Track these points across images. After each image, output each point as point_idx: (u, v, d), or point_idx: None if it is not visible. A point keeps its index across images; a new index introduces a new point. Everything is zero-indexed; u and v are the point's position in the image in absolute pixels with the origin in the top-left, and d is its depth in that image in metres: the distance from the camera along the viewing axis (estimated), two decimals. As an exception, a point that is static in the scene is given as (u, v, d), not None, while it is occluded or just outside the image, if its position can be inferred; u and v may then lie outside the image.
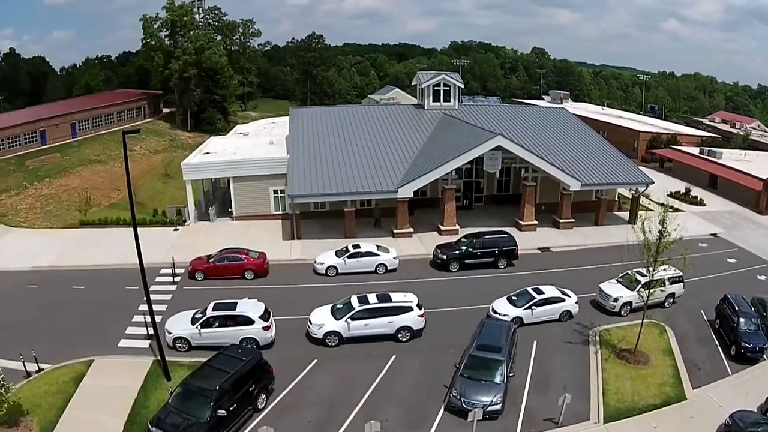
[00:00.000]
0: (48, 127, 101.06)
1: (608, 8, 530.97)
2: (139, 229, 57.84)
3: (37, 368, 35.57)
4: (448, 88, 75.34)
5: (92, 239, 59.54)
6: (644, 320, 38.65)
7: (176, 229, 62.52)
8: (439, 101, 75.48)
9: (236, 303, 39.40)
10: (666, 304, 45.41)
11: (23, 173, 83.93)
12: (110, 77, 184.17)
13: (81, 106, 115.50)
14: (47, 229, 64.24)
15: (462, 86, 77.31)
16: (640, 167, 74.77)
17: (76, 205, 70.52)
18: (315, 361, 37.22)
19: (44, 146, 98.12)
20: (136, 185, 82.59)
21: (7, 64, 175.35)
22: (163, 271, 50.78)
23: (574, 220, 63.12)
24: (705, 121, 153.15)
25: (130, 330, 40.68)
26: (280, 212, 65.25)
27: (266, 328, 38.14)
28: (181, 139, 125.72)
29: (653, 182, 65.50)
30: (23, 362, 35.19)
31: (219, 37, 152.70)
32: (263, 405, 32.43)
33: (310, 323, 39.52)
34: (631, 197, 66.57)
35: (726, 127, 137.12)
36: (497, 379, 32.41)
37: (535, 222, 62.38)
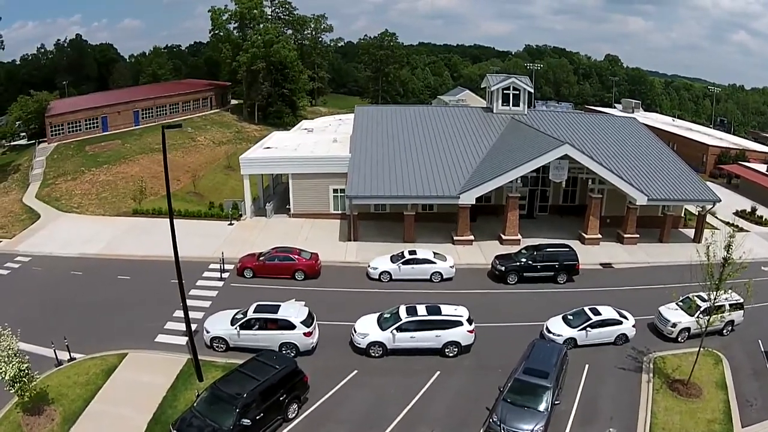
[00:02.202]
0: (110, 113, 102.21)
1: (679, 18, 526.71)
2: (193, 222, 59.01)
3: (69, 357, 35.12)
4: (517, 92, 72.84)
5: (144, 229, 59.26)
6: (701, 349, 36.20)
7: (231, 224, 61.86)
8: (508, 105, 73.11)
9: (279, 306, 37.90)
10: (724, 331, 42.33)
11: (82, 158, 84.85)
12: (179, 67, 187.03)
13: (145, 95, 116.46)
14: (100, 216, 64.40)
15: (532, 91, 74.82)
16: (708, 183, 71.37)
17: (132, 193, 70.32)
18: (355, 372, 35.49)
19: (105, 133, 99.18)
20: (197, 176, 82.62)
21: (72, 50, 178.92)
22: (212, 266, 50.00)
23: (638, 236, 60.26)
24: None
25: (169, 325, 39.76)
26: (339, 212, 63.85)
27: (308, 334, 36.50)
28: (248, 131, 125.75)
29: (720, 200, 62.15)
30: (54, 350, 34.79)
31: (289, 32, 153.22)
32: (294, 415, 30.95)
33: (355, 331, 37.84)
34: (697, 214, 63.65)
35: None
36: (541, 407, 30.22)
37: (599, 236, 59.55)
